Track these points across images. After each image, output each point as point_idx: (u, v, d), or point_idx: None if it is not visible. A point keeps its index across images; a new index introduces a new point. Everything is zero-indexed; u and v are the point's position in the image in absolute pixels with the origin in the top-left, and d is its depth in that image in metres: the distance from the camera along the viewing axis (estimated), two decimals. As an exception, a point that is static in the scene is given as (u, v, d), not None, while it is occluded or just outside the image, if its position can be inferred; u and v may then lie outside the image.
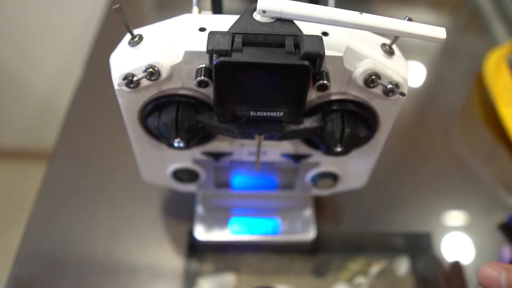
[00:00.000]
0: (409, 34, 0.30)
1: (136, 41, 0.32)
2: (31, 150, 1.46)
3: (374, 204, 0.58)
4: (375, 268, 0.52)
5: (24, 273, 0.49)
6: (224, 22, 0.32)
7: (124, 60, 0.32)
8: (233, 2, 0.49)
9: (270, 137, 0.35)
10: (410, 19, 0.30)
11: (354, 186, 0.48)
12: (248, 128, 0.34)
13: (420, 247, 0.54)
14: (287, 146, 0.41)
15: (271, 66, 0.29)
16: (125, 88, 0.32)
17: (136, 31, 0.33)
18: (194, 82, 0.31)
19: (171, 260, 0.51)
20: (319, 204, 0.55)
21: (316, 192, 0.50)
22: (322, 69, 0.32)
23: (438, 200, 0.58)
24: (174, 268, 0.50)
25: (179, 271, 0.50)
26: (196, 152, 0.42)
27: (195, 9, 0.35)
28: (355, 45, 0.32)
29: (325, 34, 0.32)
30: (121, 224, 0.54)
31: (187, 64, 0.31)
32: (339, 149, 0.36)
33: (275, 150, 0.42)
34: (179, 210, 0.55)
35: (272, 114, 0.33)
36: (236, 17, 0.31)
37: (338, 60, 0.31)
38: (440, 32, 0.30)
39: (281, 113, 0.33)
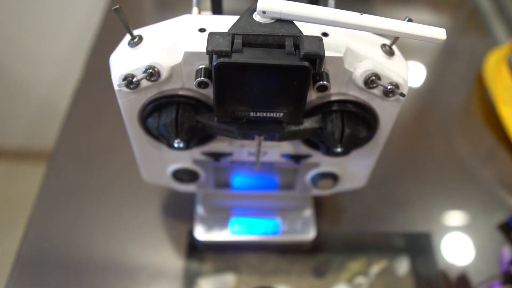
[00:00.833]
0: (409, 35, 0.30)
1: (136, 41, 0.32)
2: (31, 150, 1.46)
3: (374, 204, 0.58)
4: (375, 268, 0.52)
5: (24, 273, 0.49)
6: (224, 23, 0.32)
7: (124, 61, 0.32)
8: (233, 3, 0.49)
9: (270, 137, 0.35)
10: (410, 20, 0.30)
11: (354, 186, 0.48)
12: (248, 128, 0.34)
13: (420, 247, 0.54)
14: (287, 147, 0.41)
15: (271, 67, 0.29)
16: (125, 89, 0.32)
17: (136, 32, 0.33)
18: (194, 82, 0.31)
19: (171, 260, 0.51)
20: (319, 204, 0.55)
21: (316, 192, 0.50)
22: (322, 69, 0.32)
23: (438, 200, 0.58)
24: (174, 268, 0.50)
25: (179, 271, 0.50)
26: (196, 153, 0.42)
27: (195, 9, 0.35)
28: (355, 46, 0.32)
29: (325, 34, 0.32)
30: (121, 224, 0.54)
31: (187, 65, 0.31)
32: (339, 149, 0.36)
33: (275, 151, 0.42)
34: (179, 210, 0.55)
35: (272, 114, 0.33)
36: (236, 17, 0.31)
37: (338, 61, 0.31)
38: (440, 33, 0.30)
39: (281, 114, 0.33)
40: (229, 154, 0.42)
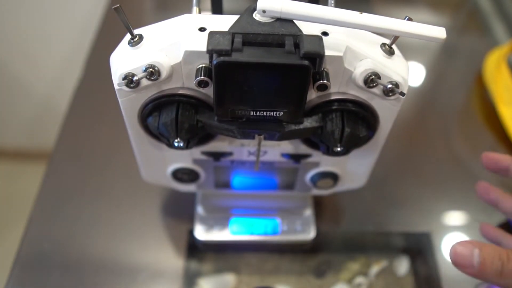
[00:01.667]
0: (409, 34, 0.30)
1: (136, 41, 0.32)
2: (31, 150, 1.46)
3: (374, 204, 0.58)
4: (375, 268, 0.52)
5: (24, 273, 0.49)
6: (224, 22, 0.32)
7: (124, 60, 0.32)
8: (233, 2, 0.49)
9: (270, 137, 0.35)
10: (410, 19, 0.30)
11: (354, 186, 0.48)
12: (248, 128, 0.34)
13: (420, 247, 0.54)
14: (287, 146, 0.41)
15: (271, 65, 0.29)
16: (125, 88, 0.32)
17: (136, 31, 0.33)
18: (194, 82, 0.31)
19: (171, 260, 0.51)
20: (319, 204, 0.55)
21: (316, 192, 0.50)
22: (322, 68, 0.32)
23: (438, 200, 0.58)
24: (174, 268, 0.50)
25: (179, 271, 0.50)
26: (196, 152, 0.42)
27: (195, 9, 0.35)
28: (355, 45, 0.32)
29: (325, 34, 0.32)
30: (121, 224, 0.54)
31: (187, 64, 0.31)
32: (339, 149, 0.36)
33: (275, 150, 0.42)
34: (179, 210, 0.55)
35: (272, 114, 0.33)
36: (236, 17, 0.31)
37: (338, 60, 0.31)
38: (440, 32, 0.30)
39: (281, 113, 0.33)
40: (229, 154, 0.42)
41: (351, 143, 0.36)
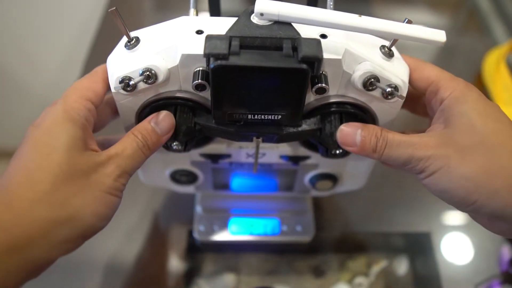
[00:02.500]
0: (408, 37, 0.29)
1: (133, 43, 0.32)
2: (31, 150, 1.45)
3: (374, 204, 0.58)
4: (375, 268, 0.52)
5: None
6: (222, 25, 0.31)
7: (121, 63, 0.32)
8: (231, 4, 0.49)
9: (268, 139, 0.35)
10: (409, 22, 0.30)
11: (353, 187, 0.48)
12: (246, 131, 0.34)
13: (419, 246, 0.54)
14: (286, 148, 0.41)
15: (268, 69, 0.29)
16: (122, 91, 0.32)
17: (132, 34, 0.32)
18: (191, 85, 0.31)
19: (171, 260, 0.51)
20: (318, 204, 0.55)
21: (315, 193, 0.50)
22: (321, 72, 0.31)
23: (437, 200, 0.57)
24: (174, 268, 0.50)
25: (179, 271, 0.50)
26: (195, 154, 0.42)
27: (192, 11, 0.34)
28: (354, 48, 0.31)
29: (323, 36, 0.32)
30: (121, 224, 0.54)
31: (184, 67, 0.31)
32: (337, 151, 0.36)
33: (274, 152, 0.42)
34: (179, 210, 0.55)
35: (270, 117, 0.32)
36: (234, 19, 0.31)
37: (337, 63, 0.31)
38: (440, 35, 0.30)
39: (279, 116, 0.33)
40: (227, 156, 0.42)
41: None
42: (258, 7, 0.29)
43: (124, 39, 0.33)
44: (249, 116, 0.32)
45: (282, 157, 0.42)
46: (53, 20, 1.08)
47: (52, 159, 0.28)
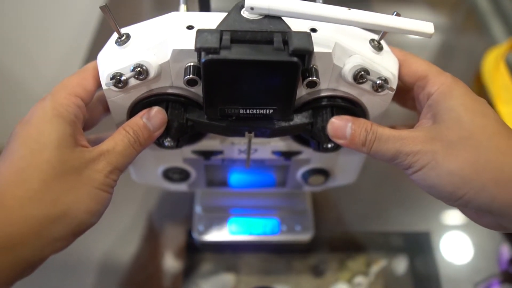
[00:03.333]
0: (397, 29, 0.30)
1: (123, 40, 0.32)
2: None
3: (374, 203, 0.57)
4: (374, 268, 0.52)
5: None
6: (212, 20, 0.32)
7: (112, 60, 0.32)
8: (221, 2, 0.49)
9: (260, 134, 0.35)
10: (398, 15, 0.30)
11: (345, 182, 0.48)
12: (238, 125, 0.34)
13: (419, 246, 0.54)
14: (278, 144, 0.41)
15: (259, 63, 0.29)
16: (113, 88, 0.32)
17: (123, 30, 0.33)
18: (183, 80, 0.31)
19: (171, 260, 0.51)
20: (318, 204, 0.55)
21: (308, 188, 0.49)
22: (311, 65, 0.31)
23: (437, 200, 0.57)
24: (173, 267, 0.50)
25: (177, 270, 0.50)
26: (187, 151, 0.42)
27: (182, 7, 0.35)
28: (344, 41, 0.32)
29: (313, 30, 0.32)
30: (121, 224, 0.54)
31: (176, 63, 0.31)
32: (329, 145, 0.36)
33: (266, 148, 0.42)
34: (178, 210, 0.55)
35: (261, 111, 0.33)
36: (224, 14, 0.31)
37: (327, 56, 0.31)
38: (427, 27, 0.30)
39: (271, 110, 0.33)
40: (219, 152, 0.42)
41: None
42: (248, 1, 0.30)
43: (115, 35, 0.33)
44: (241, 111, 0.33)
45: (274, 152, 0.42)
46: (52, 20, 1.09)
47: (43, 156, 0.28)
